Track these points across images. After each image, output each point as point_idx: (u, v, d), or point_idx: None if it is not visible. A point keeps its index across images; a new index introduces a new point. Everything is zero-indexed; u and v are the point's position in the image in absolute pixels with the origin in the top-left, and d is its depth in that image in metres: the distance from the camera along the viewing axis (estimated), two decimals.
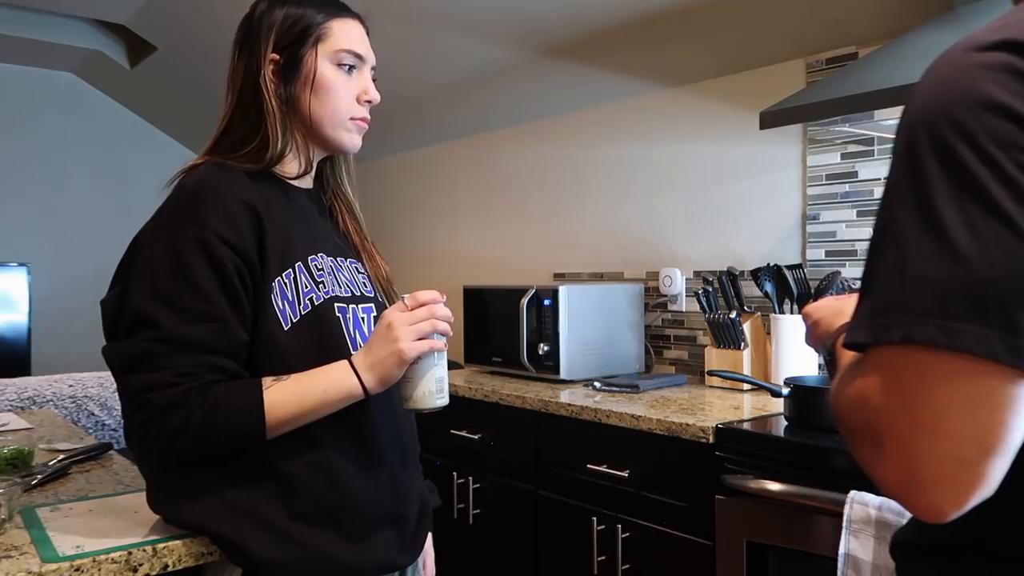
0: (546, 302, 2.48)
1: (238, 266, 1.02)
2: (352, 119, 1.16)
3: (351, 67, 1.16)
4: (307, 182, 1.21)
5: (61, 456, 1.45)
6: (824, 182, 2.28)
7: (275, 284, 1.06)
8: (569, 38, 2.60)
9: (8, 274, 3.93)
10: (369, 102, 1.18)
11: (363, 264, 1.24)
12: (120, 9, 3.40)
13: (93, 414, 2.25)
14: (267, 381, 1.02)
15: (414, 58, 2.98)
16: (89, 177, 4.47)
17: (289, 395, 1.01)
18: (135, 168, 4.57)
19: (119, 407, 2.27)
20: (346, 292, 1.14)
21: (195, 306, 0.99)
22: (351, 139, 1.18)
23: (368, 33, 1.21)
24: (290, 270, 1.08)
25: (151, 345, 0.98)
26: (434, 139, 3.73)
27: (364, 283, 1.21)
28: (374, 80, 1.21)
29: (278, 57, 1.13)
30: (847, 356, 0.77)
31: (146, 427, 0.97)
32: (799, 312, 2.22)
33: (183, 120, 4.48)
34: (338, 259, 1.18)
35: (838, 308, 0.90)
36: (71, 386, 2.28)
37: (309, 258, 1.11)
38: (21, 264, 3.96)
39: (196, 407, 0.97)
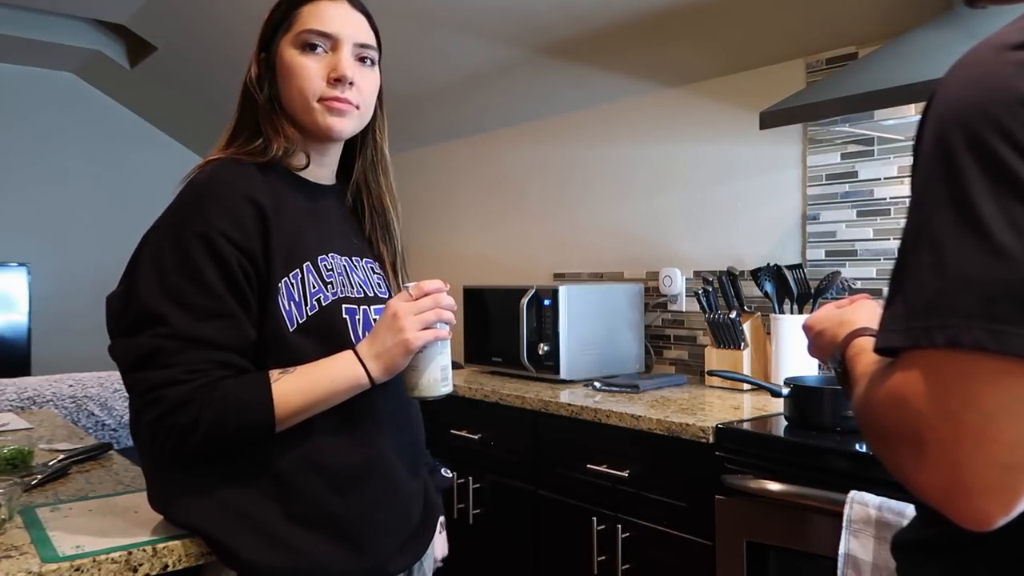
0: (546, 302, 2.48)
1: (243, 264, 1.02)
2: (322, 100, 1.10)
3: (319, 47, 1.10)
4: (326, 178, 1.20)
5: (61, 456, 1.44)
6: (824, 182, 2.28)
7: (282, 285, 1.05)
8: (569, 38, 2.60)
9: (8, 274, 3.93)
10: (339, 80, 1.09)
11: (380, 267, 1.23)
12: (120, 9, 3.40)
13: (93, 414, 2.25)
14: (274, 374, 1.02)
15: (414, 58, 2.97)
16: (89, 177, 4.47)
17: (297, 387, 1.02)
18: (135, 168, 4.57)
19: (119, 407, 2.27)
20: (358, 293, 1.13)
21: (204, 303, 1.00)
22: (326, 121, 1.10)
23: (369, 17, 1.16)
24: (297, 270, 1.07)
25: (161, 342, 0.98)
26: (434, 139, 3.73)
27: (379, 284, 1.19)
28: (377, 65, 1.16)
29: (262, 56, 1.15)
30: (862, 363, 0.76)
31: (157, 424, 0.97)
32: (799, 312, 2.22)
33: (183, 120, 4.48)
34: (353, 258, 1.16)
35: (839, 318, 0.89)
36: (71, 386, 2.28)
37: (319, 258, 1.10)
38: (21, 264, 3.96)
39: (207, 403, 0.97)
